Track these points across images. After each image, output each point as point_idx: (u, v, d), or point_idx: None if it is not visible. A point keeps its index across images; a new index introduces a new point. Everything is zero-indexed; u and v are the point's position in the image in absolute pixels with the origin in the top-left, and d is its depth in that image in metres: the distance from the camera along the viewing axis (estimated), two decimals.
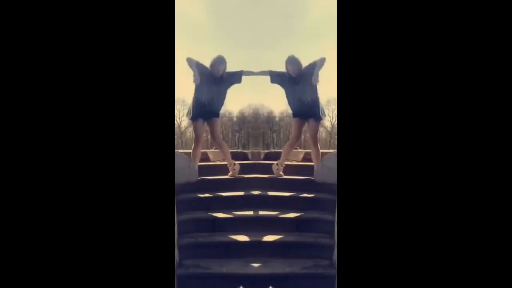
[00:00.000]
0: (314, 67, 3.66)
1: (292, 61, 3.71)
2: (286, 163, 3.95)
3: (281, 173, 3.87)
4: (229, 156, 3.97)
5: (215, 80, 3.76)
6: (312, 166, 3.73)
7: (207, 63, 3.81)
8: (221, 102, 3.89)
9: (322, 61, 3.67)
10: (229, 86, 3.87)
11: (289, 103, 3.82)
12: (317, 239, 2.92)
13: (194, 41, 29.71)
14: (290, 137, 4.05)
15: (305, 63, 3.76)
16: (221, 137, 4.09)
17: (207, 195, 3.45)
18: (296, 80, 3.70)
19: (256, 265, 2.74)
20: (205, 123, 3.87)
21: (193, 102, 3.81)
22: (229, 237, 2.96)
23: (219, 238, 2.98)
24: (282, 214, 3.21)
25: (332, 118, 25.37)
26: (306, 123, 3.81)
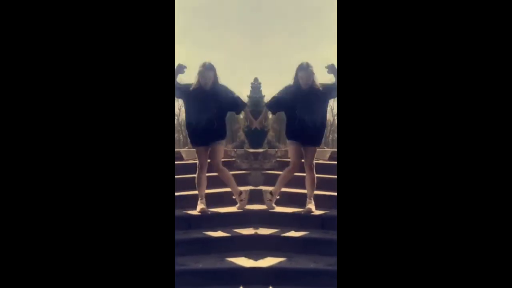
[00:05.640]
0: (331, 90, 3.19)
1: (304, 68, 3.21)
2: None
3: (273, 205, 3.34)
4: (234, 184, 3.34)
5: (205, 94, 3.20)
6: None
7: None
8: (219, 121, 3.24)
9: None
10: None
11: (289, 124, 3.31)
12: None
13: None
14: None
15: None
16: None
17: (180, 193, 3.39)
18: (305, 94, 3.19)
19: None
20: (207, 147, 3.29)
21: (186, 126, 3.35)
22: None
23: (195, 235, 3.06)
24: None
25: None
26: (303, 148, 3.29)
